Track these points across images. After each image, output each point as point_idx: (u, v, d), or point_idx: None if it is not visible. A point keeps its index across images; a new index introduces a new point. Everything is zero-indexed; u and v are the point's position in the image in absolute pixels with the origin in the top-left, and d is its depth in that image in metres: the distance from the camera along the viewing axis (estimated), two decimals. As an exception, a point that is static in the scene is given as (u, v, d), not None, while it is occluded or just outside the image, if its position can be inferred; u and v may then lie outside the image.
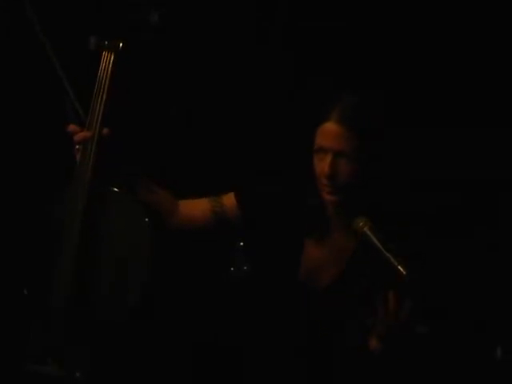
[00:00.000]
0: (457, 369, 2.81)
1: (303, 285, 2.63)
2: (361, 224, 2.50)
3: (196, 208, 2.71)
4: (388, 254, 2.44)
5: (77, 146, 2.55)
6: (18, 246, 2.59)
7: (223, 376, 2.86)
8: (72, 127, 2.56)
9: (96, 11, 2.56)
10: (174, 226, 2.71)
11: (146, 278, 2.51)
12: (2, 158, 3.12)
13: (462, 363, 2.82)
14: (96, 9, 2.55)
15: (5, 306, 2.55)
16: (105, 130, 2.54)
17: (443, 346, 2.80)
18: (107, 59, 2.54)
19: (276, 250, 2.65)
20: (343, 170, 2.48)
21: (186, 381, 2.87)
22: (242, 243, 2.99)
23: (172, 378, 2.79)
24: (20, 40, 2.99)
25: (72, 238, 2.51)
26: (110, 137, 2.55)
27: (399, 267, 2.42)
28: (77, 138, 2.54)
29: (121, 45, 2.54)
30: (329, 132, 2.48)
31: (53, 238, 2.53)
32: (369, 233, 2.49)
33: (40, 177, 3.06)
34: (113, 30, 2.54)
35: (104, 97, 2.53)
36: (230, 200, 2.70)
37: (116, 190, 2.57)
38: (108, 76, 2.53)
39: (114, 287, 2.51)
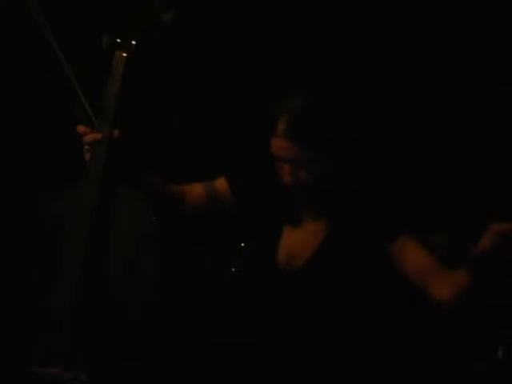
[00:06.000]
0: (458, 368, 2.84)
1: (279, 269, 2.67)
2: None
3: (191, 193, 2.75)
4: None
5: (86, 147, 2.51)
6: (18, 245, 2.54)
7: (221, 374, 2.86)
8: (81, 128, 2.52)
9: (109, 10, 2.53)
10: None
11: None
12: (9, 157, 3.08)
13: (464, 363, 2.85)
14: (109, 7, 2.52)
15: (8, 307, 2.50)
16: (115, 131, 2.50)
17: (445, 346, 2.83)
18: (120, 58, 2.50)
19: (262, 235, 2.71)
20: (302, 176, 2.55)
21: (188, 381, 2.87)
22: (243, 244, 3.00)
23: (174, 378, 2.78)
24: (29, 39, 2.95)
25: (80, 238, 2.47)
26: (120, 137, 2.51)
27: None
28: (87, 139, 2.50)
29: (134, 44, 2.51)
30: (279, 146, 2.54)
31: (53, 237, 2.50)
32: None
33: (45, 176, 3.03)
34: (126, 28, 2.50)
35: (115, 97, 2.49)
36: (222, 185, 2.75)
37: (124, 188, 2.55)
38: (120, 75, 2.49)
39: (120, 286, 2.48)
